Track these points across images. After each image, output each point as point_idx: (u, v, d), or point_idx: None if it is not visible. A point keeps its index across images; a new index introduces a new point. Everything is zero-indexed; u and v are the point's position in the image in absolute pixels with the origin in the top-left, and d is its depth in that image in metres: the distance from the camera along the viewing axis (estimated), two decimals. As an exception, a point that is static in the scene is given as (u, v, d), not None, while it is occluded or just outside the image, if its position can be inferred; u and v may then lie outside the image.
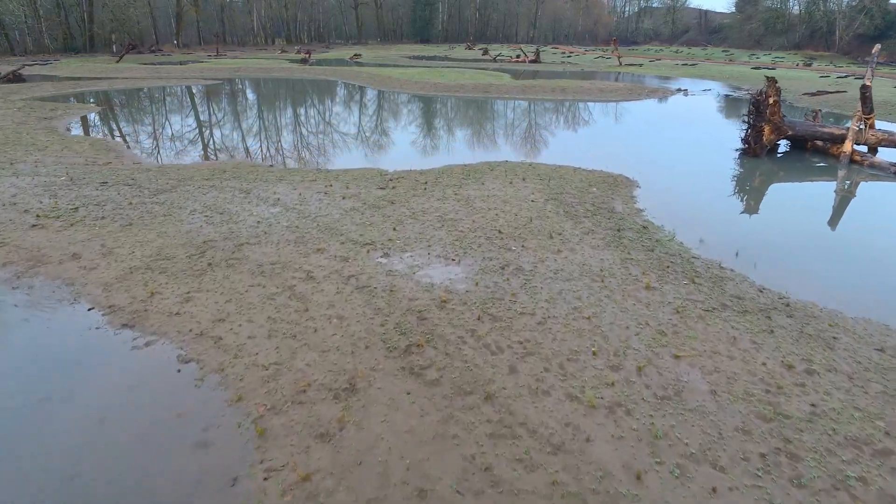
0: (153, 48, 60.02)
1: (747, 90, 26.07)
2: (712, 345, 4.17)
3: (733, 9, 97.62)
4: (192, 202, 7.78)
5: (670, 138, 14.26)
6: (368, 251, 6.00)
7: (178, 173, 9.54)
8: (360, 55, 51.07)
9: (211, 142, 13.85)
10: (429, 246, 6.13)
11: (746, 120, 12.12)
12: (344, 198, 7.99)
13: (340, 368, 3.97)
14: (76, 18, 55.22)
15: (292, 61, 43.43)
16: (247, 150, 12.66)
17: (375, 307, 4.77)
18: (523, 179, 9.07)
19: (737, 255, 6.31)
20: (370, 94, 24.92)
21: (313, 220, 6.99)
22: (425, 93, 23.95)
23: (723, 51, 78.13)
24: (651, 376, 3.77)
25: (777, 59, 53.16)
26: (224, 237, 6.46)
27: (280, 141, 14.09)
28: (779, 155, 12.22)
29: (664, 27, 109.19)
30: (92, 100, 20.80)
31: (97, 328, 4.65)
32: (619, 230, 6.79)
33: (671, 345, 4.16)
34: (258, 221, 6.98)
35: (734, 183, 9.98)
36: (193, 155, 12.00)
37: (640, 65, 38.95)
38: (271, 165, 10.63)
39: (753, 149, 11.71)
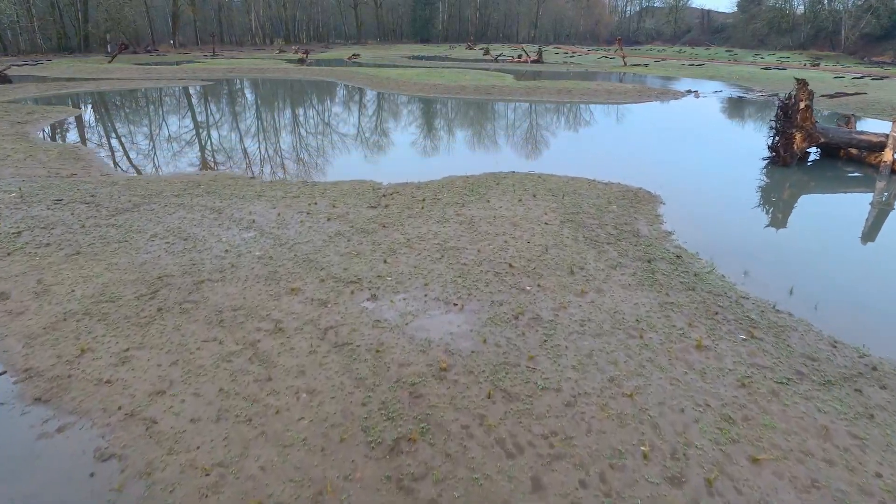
0: (149, 48, 59.13)
1: (760, 91, 25.09)
2: (799, 439, 3.15)
3: (735, 8, 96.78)
4: (155, 224, 6.77)
5: (689, 145, 13.25)
6: (353, 292, 4.99)
7: (146, 188, 8.53)
8: (358, 55, 50.11)
9: (191, 150, 12.83)
10: (426, 284, 5.12)
11: (774, 126, 11.11)
12: (329, 219, 6.97)
13: (305, 475, 2.96)
14: (71, 18, 54.25)
15: (289, 61, 42.44)
16: (228, 159, 11.64)
17: (357, 376, 3.76)
18: (534, 196, 8.05)
19: (791, 292, 5.31)
20: (366, 97, 23.87)
21: (290, 249, 5.98)
22: (425, 94, 22.92)
23: (726, 51, 77.22)
24: (727, 495, 2.76)
25: (782, 59, 52.17)
26: (183, 271, 5.45)
27: (265, 149, 13.06)
28: (809, 164, 11.21)
29: (666, 27, 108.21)
30: (73, 102, 19.79)
31: (1, 404, 3.64)
32: (649, 261, 5.77)
33: (744, 439, 3.14)
34: (226, 250, 5.97)
35: (766, 197, 8.97)
36: (170, 164, 10.98)
37: (646, 65, 37.94)
38: (252, 178, 9.61)
39: (783, 157, 10.69)
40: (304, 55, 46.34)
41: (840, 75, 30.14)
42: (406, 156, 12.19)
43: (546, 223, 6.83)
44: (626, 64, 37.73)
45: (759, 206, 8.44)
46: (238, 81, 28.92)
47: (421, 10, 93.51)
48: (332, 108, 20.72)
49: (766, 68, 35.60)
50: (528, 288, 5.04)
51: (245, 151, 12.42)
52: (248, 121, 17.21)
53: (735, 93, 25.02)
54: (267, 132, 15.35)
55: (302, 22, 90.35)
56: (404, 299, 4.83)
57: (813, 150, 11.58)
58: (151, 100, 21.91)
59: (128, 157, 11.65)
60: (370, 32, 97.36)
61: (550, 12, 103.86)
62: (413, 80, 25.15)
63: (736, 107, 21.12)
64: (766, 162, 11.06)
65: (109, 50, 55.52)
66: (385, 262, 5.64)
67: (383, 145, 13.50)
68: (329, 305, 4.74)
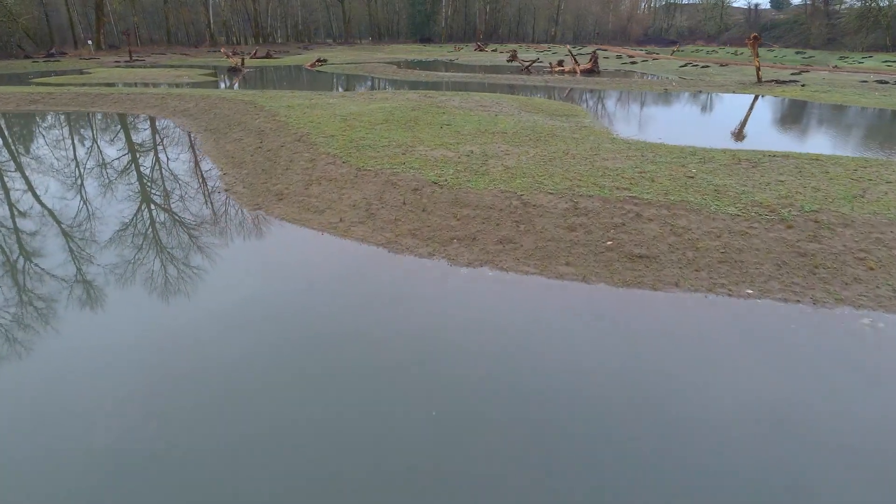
0: (52, 51, 44.30)
1: None
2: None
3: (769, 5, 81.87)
4: None
5: None
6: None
7: None
8: (324, 61, 34.85)
9: None
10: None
11: None
12: None
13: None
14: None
15: (210, 73, 27.35)
16: None
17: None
18: None
19: None
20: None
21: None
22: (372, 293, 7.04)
23: (797, 52, 62.24)
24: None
25: (889, 63, 37.61)
26: None
27: None
28: None
29: (709, 24, 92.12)
30: None
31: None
32: None
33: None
34: None
35: None
36: None
37: (800, 84, 22.23)
38: None
39: None
40: (240, 63, 31.10)
41: None
42: None
43: None
44: (760, 80, 22.11)
45: None
46: None
47: (420, 5, 78.28)
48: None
49: None
50: None
51: None
52: None
53: None
54: None
55: (277, 17, 75.25)
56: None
57: None
58: None
59: None
60: (363, 31, 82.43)
61: (572, 8, 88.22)
62: (366, 144, 9.65)
63: None
64: None
65: (-13, 54, 40.61)
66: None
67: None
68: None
